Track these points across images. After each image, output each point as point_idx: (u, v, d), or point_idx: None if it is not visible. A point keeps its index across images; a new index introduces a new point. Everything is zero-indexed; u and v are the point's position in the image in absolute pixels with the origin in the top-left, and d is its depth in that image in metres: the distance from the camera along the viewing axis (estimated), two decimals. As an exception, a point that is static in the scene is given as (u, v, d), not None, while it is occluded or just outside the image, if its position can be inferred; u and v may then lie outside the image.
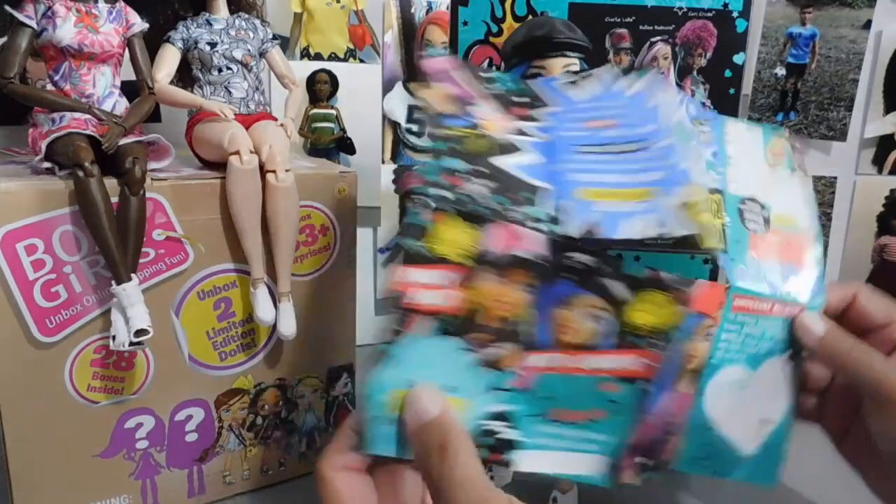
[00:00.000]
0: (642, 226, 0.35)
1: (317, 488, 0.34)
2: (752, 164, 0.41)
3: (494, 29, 0.64)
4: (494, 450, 0.37)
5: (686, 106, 0.41)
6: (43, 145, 0.54)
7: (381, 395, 0.34)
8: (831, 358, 0.37)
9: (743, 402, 0.39)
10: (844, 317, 0.40)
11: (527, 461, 0.38)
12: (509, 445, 0.37)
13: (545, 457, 0.38)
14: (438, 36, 0.97)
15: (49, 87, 0.59)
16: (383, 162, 1.01)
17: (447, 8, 0.89)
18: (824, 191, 1.14)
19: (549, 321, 0.36)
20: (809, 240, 0.41)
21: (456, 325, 0.34)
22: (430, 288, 0.34)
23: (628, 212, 0.35)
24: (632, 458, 0.38)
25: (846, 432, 0.41)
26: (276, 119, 0.67)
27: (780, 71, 1.13)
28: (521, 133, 0.38)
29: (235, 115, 0.63)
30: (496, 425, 0.36)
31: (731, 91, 0.68)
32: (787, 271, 0.39)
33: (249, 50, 0.67)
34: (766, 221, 0.40)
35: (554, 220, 0.35)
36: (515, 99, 0.40)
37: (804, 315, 0.38)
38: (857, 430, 0.40)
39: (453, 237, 0.34)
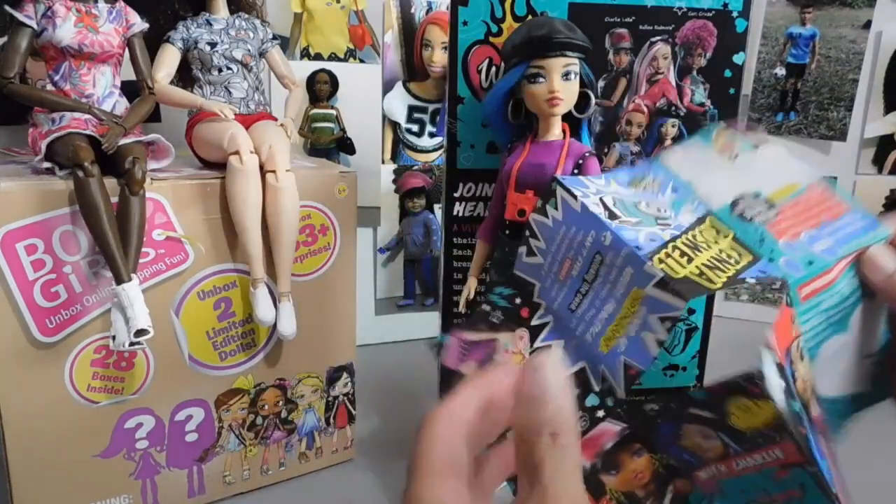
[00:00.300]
0: (651, 349, 0.34)
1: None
2: (714, 170, 0.40)
3: (494, 29, 0.64)
4: None
5: (613, 183, 0.39)
6: (43, 145, 0.55)
7: None
8: None
9: (848, 356, 0.38)
10: None
11: None
12: None
13: None
14: (438, 36, 0.97)
15: (49, 87, 0.59)
16: (383, 162, 1.01)
17: (447, 8, 0.89)
18: (824, 191, 1.14)
19: (679, 445, 0.36)
20: (821, 188, 0.39)
21: None
22: None
23: (633, 336, 0.35)
24: None
25: None
26: (276, 119, 0.67)
27: (780, 71, 1.13)
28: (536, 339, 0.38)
29: (235, 115, 0.63)
30: None
31: (731, 91, 0.68)
32: (826, 230, 0.37)
33: (249, 50, 0.67)
34: (770, 205, 0.39)
35: (609, 393, 0.35)
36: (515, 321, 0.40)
37: (870, 252, 0.35)
38: None
39: None
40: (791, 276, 0.35)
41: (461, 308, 0.67)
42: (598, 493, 0.36)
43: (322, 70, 0.95)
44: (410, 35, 0.98)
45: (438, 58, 0.98)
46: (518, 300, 0.39)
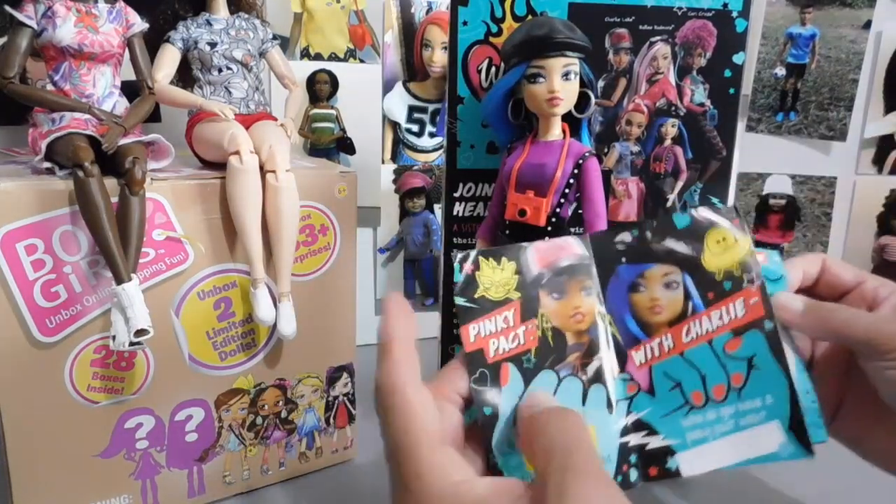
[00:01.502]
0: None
1: (383, 400, 0.32)
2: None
3: (494, 29, 0.64)
4: (650, 464, 0.34)
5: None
6: (43, 145, 0.54)
7: (512, 458, 0.33)
8: (818, 326, 0.37)
9: None
10: (815, 289, 0.40)
11: (692, 463, 0.34)
12: (663, 454, 0.34)
13: (710, 450, 0.34)
14: (438, 36, 0.97)
15: (49, 87, 0.59)
16: (383, 162, 1.01)
17: (447, 8, 0.89)
18: (824, 191, 1.14)
19: (630, 311, 0.35)
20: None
21: (542, 358, 0.34)
22: (498, 335, 0.34)
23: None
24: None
25: (839, 407, 0.40)
26: (276, 119, 0.67)
27: (780, 71, 1.13)
28: None
29: (235, 115, 0.63)
30: (636, 438, 0.34)
31: (731, 91, 0.68)
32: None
33: (249, 50, 0.67)
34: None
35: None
36: None
37: (778, 296, 0.37)
38: (851, 400, 0.40)
39: (491, 278, 0.34)
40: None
41: (461, 308, 0.67)
42: (529, 312, 0.34)
43: (322, 70, 0.95)
44: (410, 35, 0.98)
45: (438, 58, 0.98)
46: None
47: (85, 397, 0.58)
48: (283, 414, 0.69)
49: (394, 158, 1.02)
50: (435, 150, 1.03)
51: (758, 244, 0.38)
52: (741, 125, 1.14)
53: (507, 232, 0.62)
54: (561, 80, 0.57)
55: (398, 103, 0.99)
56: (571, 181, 0.58)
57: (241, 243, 0.62)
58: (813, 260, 0.41)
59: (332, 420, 0.73)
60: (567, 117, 0.60)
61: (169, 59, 0.66)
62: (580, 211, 0.59)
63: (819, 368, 0.40)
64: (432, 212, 1.05)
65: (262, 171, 0.61)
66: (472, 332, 0.34)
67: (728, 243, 0.35)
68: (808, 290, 0.40)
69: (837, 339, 0.38)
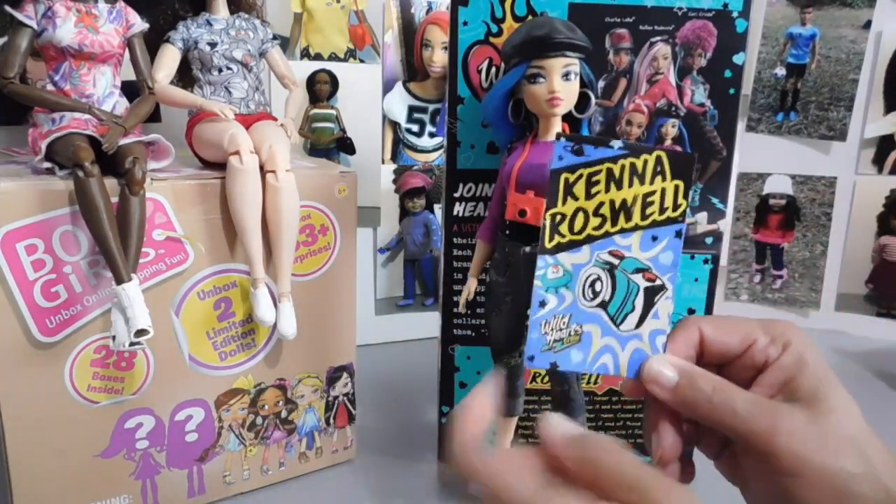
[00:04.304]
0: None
1: (472, 477, 0.31)
2: None
3: (494, 29, 0.64)
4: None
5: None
6: (43, 145, 0.55)
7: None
8: (689, 410, 0.33)
9: None
10: (702, 358, 0.35)
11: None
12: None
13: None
14: (438, 36, 0.97)
15: (49, 87, 0.59)
16: (383, 162, 1.01)
17: (447, 8, 0.89)
18: (824, 191, 1.14)
19: None
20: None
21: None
22: None
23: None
24: None
25: (720, 454, 0.36)
26: (276, 119, 0.67)
27: (780, 71, 1.13)
28: None
29: (235, 115, 0.63)
30: None
31: (731, 91, 0.68)
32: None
33: (249, 50, 0.67)
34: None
35: None
36: None
37: (649, 364, 0.34)
38: (730, 453, 0.35)
39: None
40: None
41: (461, 308, 0.67)
42: None
43: (322, 70, 0.95)
44: (410, 35, 0.98)
45: (438, 58, 0.98)
46: None
47: (85, 397, 0.58)
48: (283, 414, 0.69)
49: (394, 158, 1.02)
50: (435, 150, 1.03)
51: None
52: (741, 125, 1.14)
53: (508, 232, 0.62)
54: (561, 81, 0.57)
55: (398, 103, 0.99)
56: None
57: (241, 243, 0.62)
58: (689, 327, 0.35)
59: (332, 420, 0.73)
60: (567, 117, 0.60)
61: (169, 59, 0.66)
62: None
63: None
64: (432, 212, 1.05)
65: (263, 171, 0.61)
66: None
67: None
68: (697, 359, 0.35)
69: (710, 425, 0.33)
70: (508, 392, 0.67)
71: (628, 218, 0.35)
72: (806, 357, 0.33)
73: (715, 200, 0.71)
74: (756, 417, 0.31)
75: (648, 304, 0.35)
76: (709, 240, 0.71)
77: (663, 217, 0.35)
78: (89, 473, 0.59)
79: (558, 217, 0.35)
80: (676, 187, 0.34)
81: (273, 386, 0.68)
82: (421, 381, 0.89)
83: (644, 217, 0.35)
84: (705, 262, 0.71)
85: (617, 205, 0.35)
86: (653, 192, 0.35)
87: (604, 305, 0.35)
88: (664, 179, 0.35)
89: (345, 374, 0.73)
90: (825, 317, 1.17)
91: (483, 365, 0.71)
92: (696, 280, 0.71)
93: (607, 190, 0.35)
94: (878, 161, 1.11)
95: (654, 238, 0.35)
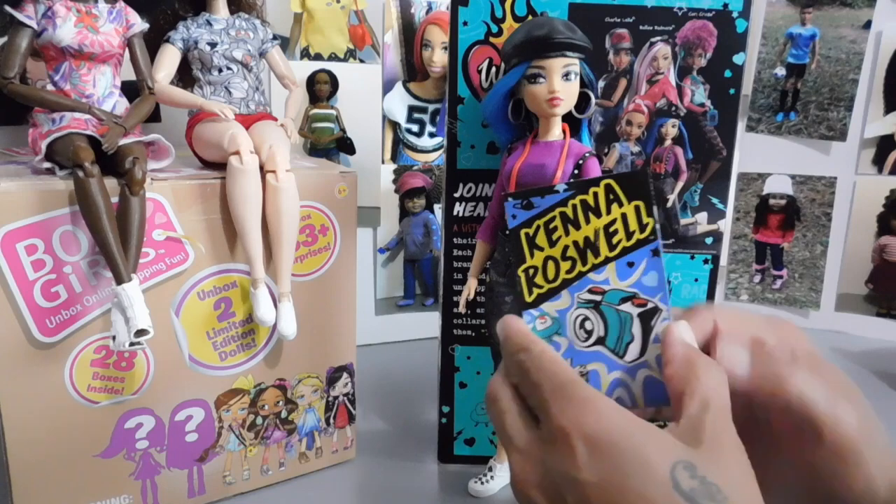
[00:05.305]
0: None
1: (521, 347, 0.32)
2: None
3: (494, 29, 0.64)
4: None
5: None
6: (43, 145, 0.54)
7: None
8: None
9: None
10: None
11: None
12: None
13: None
14: (438, 36, 0.97)
15: (49, 87, 0.59)
16: (383, 162, 1.01)
17: (447, 8, 0.89)
18: (824, 191, 1.14)
19: None
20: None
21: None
22: None
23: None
24: None
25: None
26: (276, 119, 0.67)
27: (780, 71, 1.13)
28: None
29: (235, 115, 0.63)
30: None
31: (731, 91, 0.68)
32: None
33: (249, 50, 0.67)
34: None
35: None
36: None
37: (676, 327, 0.33)
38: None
39: None
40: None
41: (461, 308, 0.67)
42: None
43: (322, 70, 0.95)
44: (410, 35, 0.98)
45: (438, 58, 0.98)
46: None
47: (85, 397, 0.58)
48: (283, 414, 0.69)
49: (394, 158, 1.02)
50: (435, 150, 1.03)
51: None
52: (741, 125, 1.14)
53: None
54: (561, 81, 0.57)
55: (398, 103, 0.99)
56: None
57: (241, 243, 0.62)
58: (705, 318, 0.34)
59: (332, 420, 0.73)
60: (567, 117, 0.60)
61: (169, 59, 0.66)
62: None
63: None
64: (432, 212, 1.05)
65: (263, 171, 0.61)
66: None
67: None
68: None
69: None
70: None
71: (596, 254, 0.35)
72: (810, 357, 0.34)
73: (715, 200, 0.71)
74: (774, 365, 0.32)
75: (646, 330, 0.34)
76: (709, 240, 0.71)
77: (632, 242, 0.34)
78: (89, 473, 0.59)
79: (531, 270, 0.36)
80: (637, 208, 0.34)
81: (273, 386, 0.68)
82: (421, 381, 0.89)
83: (612, 248, 0.34)
84: (705, 262, 0.71)
85: (581, 244, 0.35)
86: (613, 221, 0.34)
87: (601, 342, 0.35)
88: (621, 205, 0.34)
89: (345, 374, 0.73)
90: (825, 317, 1.17)
91: (483, 365, 0.71)
92: (696, 280, 0.71)
93: (567, 233, 0.35)
94: (878, 161, 1.11)
95: (631, 264, 0.34)
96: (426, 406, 0.85)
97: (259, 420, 0.68)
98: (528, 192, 0.36)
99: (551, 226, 0.35)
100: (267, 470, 0.70)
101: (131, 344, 0.54)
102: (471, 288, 0.66)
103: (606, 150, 0.69)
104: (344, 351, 0.72)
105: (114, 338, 0.55)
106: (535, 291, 0.36)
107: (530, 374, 0.31)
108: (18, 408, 0.55)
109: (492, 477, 0.69)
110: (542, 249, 0.36)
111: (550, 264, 0.36)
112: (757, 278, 1.20)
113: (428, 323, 1.02)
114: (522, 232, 0.36)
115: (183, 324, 0.61)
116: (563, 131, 0.60)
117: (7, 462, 0.56)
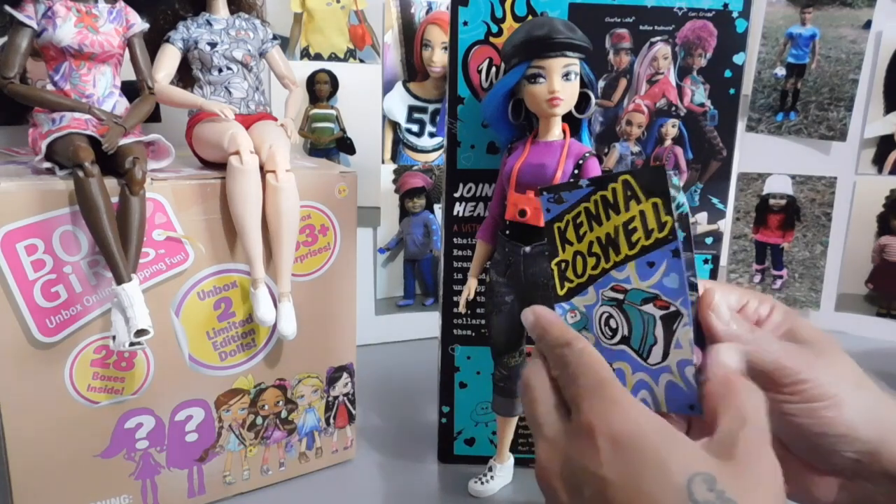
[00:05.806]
0: None
1: (559, 339, 0.33)
2: None
3: (494, 29, 0.64)
4: None
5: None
6: (43, 145, 0.55)
7: None
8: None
9: None
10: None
11: None
12: None
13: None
14: (438, 36, 0.97)
15: (49, 87, 0.59)
16: (383, 162, 1.01)
17: (447, 8, 0.89)
18: (824, 191, 1.14)
19: None
20: None
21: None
22: None
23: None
24: None
25: None
26: (276, 119, 0.67)
27: (780, 71, 1.13)
28: None
29: (235, 115, 0.63)
30: None
31: (731, 91, 0.68)
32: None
33: (249, 50, 0.67)
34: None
35: None
36: None
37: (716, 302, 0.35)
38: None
39: None
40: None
41: (461, 308, 0.67)
42: None
43: (322, 70, 0.95)
44: (410, 35, 0.98)
45: (438, 58, 0.98)
46: None
47: (85, 397, 0.58)
48: (283, 414, 0.69)
49: (394, 158, 1.02)
50: (435, 150, 1.03)
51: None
52: (741, 125, 1.14)
53: (508, 232, 0.62)
54: (561, 81, 0.57)
55: (398, 103, 0.99)
56: (572, 181, 0.58)
57: (241, 243, 0.62)
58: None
59: (332, 420, 0.73)
60: (567, 117, 0.60)
61: (169, 59, 0.66)
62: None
63: None
64: (432, 212, 1.05)
65: (263, 171, 0.61)
66: None
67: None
68: None
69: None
70: (508, 393, 0.67)
71: (617, 251, 0.34)
72: (791, 315, 0.37)
73: (715, 200, 0.71)
74: (789, 352, 0.34)
75: (668, 334, 0.34)
76: (709, 240, 0.71)
77: (651, 240, 0.33)
78: (89, 473, 0.59)
79: (563, 264, 0.36)
80: (655, 205, 0.33)
81: (273, 386, 0.68)
82: (421, 381, 0.89)
83: (632, 246, 0.34)
84: (705, 262, 0.71)
85: (603, 241, 0.35)
86: (632, 219, 0.33)
87: (626, 341, 0.35)
88: (639, 202, 0.33)
89: (345, 374, 0.73)
90: (825, 317, 1.17)
91: (483, 365, 0.71)
92: (696, 280, 0.71)
93: (591, 229, 0.35)
94: (878, 161, 1.11)
95: (651, 264, 0.33)
96: (426, 406, 0.85)
97: (259, 420, 0.68)
98: (559, 185, 0.36)
99: (578, 221, 0.35)
100: (267, 470, 0.70)
101: (131, 344, 0.54)
102: (471, 288, 0.66)
103: (606, 150, 0.69)
104: (344, 351, 0.72)
105: (114, 338, 0.55)
106: (567, 286, 0.36)
107: (570, 367, 0.31)
108: (18, 408, 0.55)
109: (492, 477, 0.69)
110: (571, 244, 0.36)
111: (579, 259, 0.36)
112: (757, 278, 1.20)
113: (428, 323, 1.02)
114: (555, 226, 0.36)
115: (183, 324, 0.61)
116: (563, 131, 0.60)
117: (7, 462, 0.56)
